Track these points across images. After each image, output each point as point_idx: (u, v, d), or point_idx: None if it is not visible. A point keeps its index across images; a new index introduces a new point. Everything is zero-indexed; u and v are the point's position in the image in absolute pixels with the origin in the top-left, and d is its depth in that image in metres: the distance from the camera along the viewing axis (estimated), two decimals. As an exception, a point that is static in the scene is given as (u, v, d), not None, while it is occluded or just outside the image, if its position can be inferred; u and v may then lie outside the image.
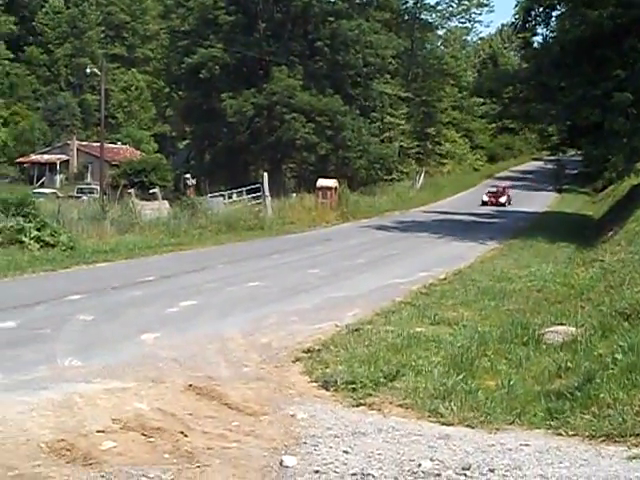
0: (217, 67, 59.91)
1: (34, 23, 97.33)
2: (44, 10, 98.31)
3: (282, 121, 58.67)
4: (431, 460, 7.28)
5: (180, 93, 70.86)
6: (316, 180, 47.48)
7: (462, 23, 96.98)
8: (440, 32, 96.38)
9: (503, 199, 61.53)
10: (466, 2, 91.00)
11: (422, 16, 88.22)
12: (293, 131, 57.78)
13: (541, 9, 43.36)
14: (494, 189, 64.88)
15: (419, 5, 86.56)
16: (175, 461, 7.26)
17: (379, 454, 7.46)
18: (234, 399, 9.26)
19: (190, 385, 9.75)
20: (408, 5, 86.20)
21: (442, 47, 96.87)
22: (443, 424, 8.38)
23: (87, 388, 9.56)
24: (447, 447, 7.67)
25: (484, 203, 59.87)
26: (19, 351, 11.75)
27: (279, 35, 63.34)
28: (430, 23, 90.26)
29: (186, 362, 11.11)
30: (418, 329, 12.80)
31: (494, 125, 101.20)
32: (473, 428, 8.27)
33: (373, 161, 64.07)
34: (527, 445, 7.73)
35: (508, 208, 58.34)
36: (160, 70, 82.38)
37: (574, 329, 12.05)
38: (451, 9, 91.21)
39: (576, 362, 10.21)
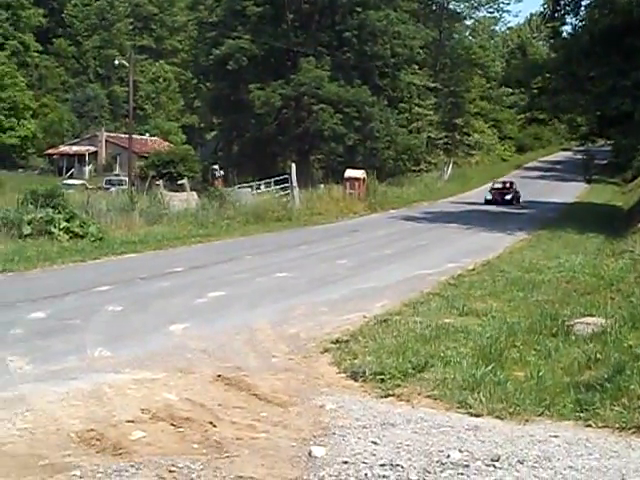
0: (245, 58, 59.89)
1: (63, 15, 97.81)
2: (73, 2, 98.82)
3: (310, 112, 58.65)
4: (460, 451, 7.25)
5: (208, 84, 70.94)
6: (344, 171, 47.43)
7: (490, 13, 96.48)
8: (468, 22, 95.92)
9: (509, 196, 53.22)
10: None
11: (450, 6, 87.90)
12: (321, 122, 57.71)
13: (570, -2, 43.05)
14: (499, 185, 56.76)
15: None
16: (204, 451, 7.29)
17: (408, 445, 7.44)
18: (263, 390, 9.27)
19: (219, 376, 9.77)
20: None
21: (470, 37, 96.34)
22: (472, 415, 8.35)
23: (116, 378, 9.61)
24: (476, 438, 7.64)
25: (487, 201, 51.77)
26: (49, 341, 11.83)
27: (307, 26, 63.27)
28: (458, 13, 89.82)
29: (215, 353, 11.14)
30: (446, 320, 12.76)
31: (523, 116, 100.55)
32: (502, 419, 8.23)
33: (401, 152, 63.94)
34: (556, 436, 7.68)
35: (538, 198, 55.87)
36: (188, 61, 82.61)
37: (603, 320, 11.97)
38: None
39: (606, 353, 10.13)
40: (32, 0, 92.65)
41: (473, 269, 19.85)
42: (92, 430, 7.74)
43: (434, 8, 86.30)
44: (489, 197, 52.69)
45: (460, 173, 74.13)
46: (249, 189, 43.68)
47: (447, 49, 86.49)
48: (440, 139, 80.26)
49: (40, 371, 10.05)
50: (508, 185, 55.91)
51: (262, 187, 46.20)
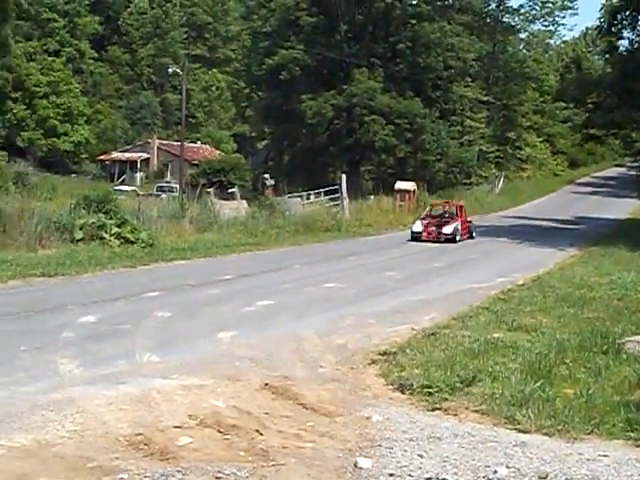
0: (297, 68, 60.04)
1: (119, 23, 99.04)
2: (129, 10, 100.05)
3: (361, 123, 58.60)
4: (507, 467, 7.20)
5: (260, 94, 71.18)
6: (394, 183, 47.40)
7: (545, 26, 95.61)
8: (522, 35, 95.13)
9: (448, 229, 33.78)
10: (550, 5, 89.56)
11: (504, 19, 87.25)
12: (372, 133, 57.62)
13: (627, 12, 42.56)
14: (439, 210, 37.55)
15: (501, 8, 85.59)
16: (250, 459, 7.31)
17: (454, 459, 7.40)
18: (309, 399, 9.28)
19: (266, 384, 9.81)
20: (490, 8, 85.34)
21: (524, 50, 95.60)
22: (520, 431, 8.28)
23: (165, 384, 9.69)
24: (524, 455, 7.57)
25: (415, 236, 33.58)
26: (99, 345, 11.97)
27: (360, 37, 63.26)
28: (513, 26, 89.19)
29: (262, 361, 11.18)
30: (495, 335, 12.67)
31: (579, 134, 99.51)
32: (550, 436, 8.14)
33: (452, 165, 63.62)
34: (606, 456, 7.58)
35: (590, 214, 52.85)
36: (240, 71, 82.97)
37: (656, 339, 11.81)
38: (534, 12, 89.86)
39: (658, 373, 10.01)
40: (89, 8, 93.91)
41: (523, 284, 19.70)
42: (140, 434, 7.82)
43: (488, 21, 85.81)
44: (418, 229, 33.84)
45: (511, 187, 73.57)
46: (299, 199, 43.79)
47: (501, 62, 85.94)
48: (492, 152, 79.68)
49: (90, 374, 10.17)
50: (452, 211, 36.57)
51: (312, 197, 46.28)
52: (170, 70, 70.42)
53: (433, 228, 33.84)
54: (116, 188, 55.90)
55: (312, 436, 8.04)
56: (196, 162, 69.69)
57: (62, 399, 8.88)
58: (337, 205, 41.78)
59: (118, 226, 25.99)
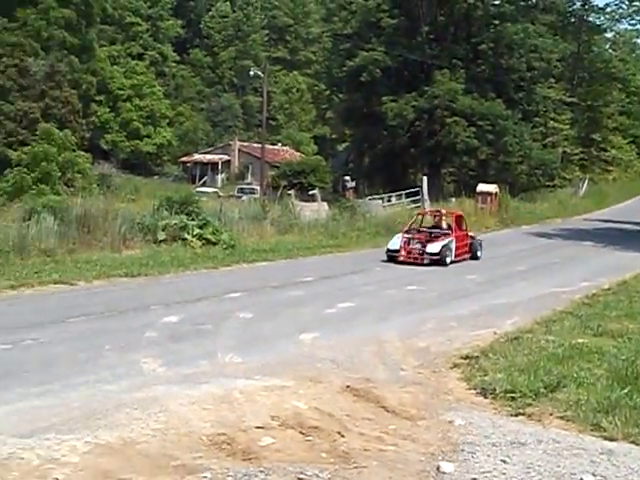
0: (378, 70, 59.93)
1: (200, 26, 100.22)
2: (210, 14, 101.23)
3: (443, 125, 58.23)
4: (593, 475, 7.07)
5: (340, 96, 71.28)
6: (475, 185, 46.99)
7: (632, 25, 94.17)
8: (608, 35, 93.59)
9: (434, 247, 25.33)
10: (637, 3, 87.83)
11: (589, 18, 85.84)
12: (453, 135, 57.23)
13: None
14: (431, 222, 29.43)
15: (587, 7, 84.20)
16: (332, 460, 7.31)
17: (538, 466, 7.30)
18: (391, 402, 9.24)
19: (347, 386, 9.80)
20: (575, 7, 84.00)
21: (610, 50, 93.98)
22: (606, 439, 8.12)
23: (247, 384, 9.74)
24: (610, 463, 7.42)
25: (391, 256, 25.30)
26: (181, 345, 12.11)
27: (442, 38, 62.89)
28: (598, 26, 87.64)
29: (343, 363, 11.18)
30: (580, 340, 12.46)
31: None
32: (638, 445, 7.97)
33: (535, 167, 62.79)
34: (696, 466, 7.40)
35: None
36: (321, 73, 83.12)
37: None
38: (621, 10, 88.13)
39: None
40: (171, 12, 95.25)
41: (608, 289, 19.33)
42: (223, 434, 7.88)
43: (573, 20, 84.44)
44: (394, 247, 25.46)
45: (596, 190, 72.34)
46: (380, 201, 43.73)
47: (585, 62, 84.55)
48: (576, 154, 78.48)
49: (172, 374, 10.29)
50: (442, 226, 27.52)
51: (393, 199, 46.19)
52: (251, 72, 70.93)
53: (416, 246, 25.40)
54: (197, 190, 56.54)
55: (394, 439, 8.01)
56: (277, 164, 70.07)
57: (146, 398, 8.99)
58: (418, 207, 41.60)
59: (200, 227, 26.26)
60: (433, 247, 25.08)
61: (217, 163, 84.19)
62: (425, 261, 24.68)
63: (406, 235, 25.89)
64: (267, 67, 66.46)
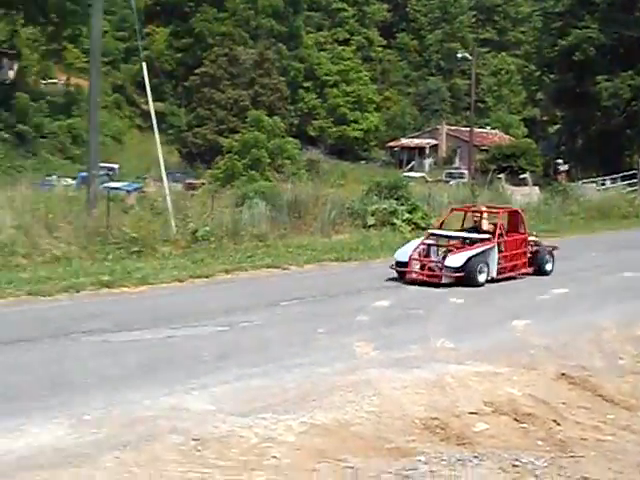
0: (592, 48, 57.97)
1: (407, 10, 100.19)
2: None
3: (662, 104, 55.81)
4: None
5: (551, 76, 69.50)
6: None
7: None
8: None
9: (457, 260, 16.85)
10: None
11: None
12: (673, 114, 54.74)
13: None
14: (472, 222, 19.01)
15: None
16: (548, 449, 7.21)
17: None
18: (609, 391, 8.99)
19: (562, 374, 9.61)
20: None
21: None
22: None
23: (459, 369, 9.73)
24: None
25: (399, 269, 17.38)
26: (393, 329, 12.22)
27: (660, 12, 60.11)
28: None
29: (558, 350, 10.96)
30: None
31: None
32: None
33: None
34: None
35: None
36: (531, 53, 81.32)
37: None
38: None
39: None
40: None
41: None
42: (436, 418, 7.91)
43: None
44: (402, 258, 17.47)
45: None
46: (593, 184, 42.40)
47: None
48: None
49: (384, 357, 10.40)
50: (482, 228, 18.34)
51: (607, 183, 44.66)
52: (459, 55, 70.23)
53: (433, 258, 17.61)
54: (405, 175, 56.66)
55: (612, 429, 7.80)
56: (485, 148, 69.17)
57: (359, 381, 9.13)
58: (635, 191, 40.03)
59: (409, 212, 26.33)
60: (453, 260, 17.01)
61: (424, 147, 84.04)
62: (444, 280, 16.80)
63: (427, 242, 18.05)
64: (475, 49, 65.73)
